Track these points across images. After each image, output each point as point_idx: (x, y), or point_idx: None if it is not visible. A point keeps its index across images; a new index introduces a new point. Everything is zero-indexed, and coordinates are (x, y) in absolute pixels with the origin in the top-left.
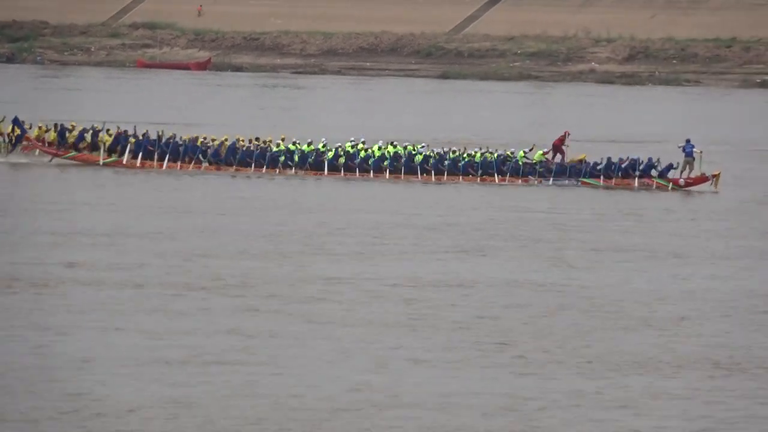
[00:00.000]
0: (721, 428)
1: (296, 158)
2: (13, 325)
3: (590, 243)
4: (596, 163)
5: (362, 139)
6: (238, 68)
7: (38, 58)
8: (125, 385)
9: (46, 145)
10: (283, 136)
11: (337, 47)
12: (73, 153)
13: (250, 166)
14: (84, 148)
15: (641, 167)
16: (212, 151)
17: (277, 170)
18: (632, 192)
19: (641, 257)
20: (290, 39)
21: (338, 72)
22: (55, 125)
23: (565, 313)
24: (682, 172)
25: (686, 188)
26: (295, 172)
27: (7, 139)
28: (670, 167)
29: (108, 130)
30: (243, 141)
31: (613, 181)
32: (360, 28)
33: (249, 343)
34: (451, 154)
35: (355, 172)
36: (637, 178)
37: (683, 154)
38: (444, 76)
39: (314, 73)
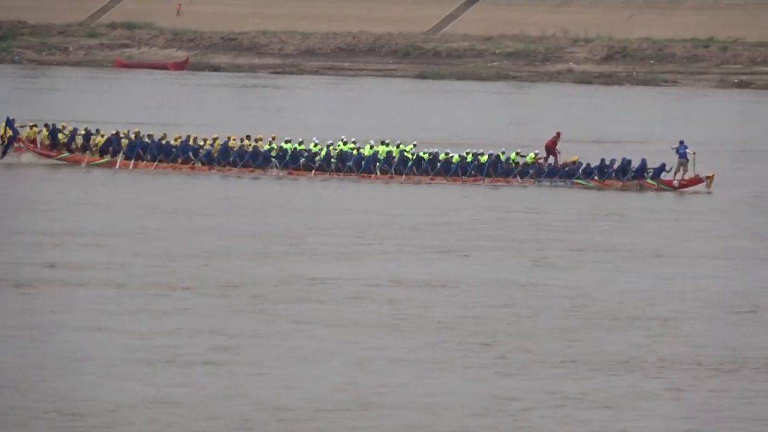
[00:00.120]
0: (706, 429)
1: (288, 158)
2: None
3: (576, 243)
4: (589, 165)
5: (353, 139)
6: (216, 68)
7: (16, 57)
8: (109, 385)
9: (38, 146)
10: (273, 135)
11: (315, 47)
12: (65, 154)
13: (244, 166)
14: (76, 149)
15: (634, 169)
16: (204, 151)
17: (272, 170)
18: (624, 193)
19: (626, 257)
20: (268, 39)
21: (316, 72)
22: (46, 125)
23: (549, 313)
24: (675, 173)
25: (680, 189)
26: (289, 173)
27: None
28: (662, 168)
29: (100, 132)
30: (235, 140)
31: (606, 182)
32: (338, 27)
33: (233, 343)
34: (442, 155)
35: (348, 172)
36: (630, 180)
37: (677, 156)
38: (422, 76)
39: (292, 73)
